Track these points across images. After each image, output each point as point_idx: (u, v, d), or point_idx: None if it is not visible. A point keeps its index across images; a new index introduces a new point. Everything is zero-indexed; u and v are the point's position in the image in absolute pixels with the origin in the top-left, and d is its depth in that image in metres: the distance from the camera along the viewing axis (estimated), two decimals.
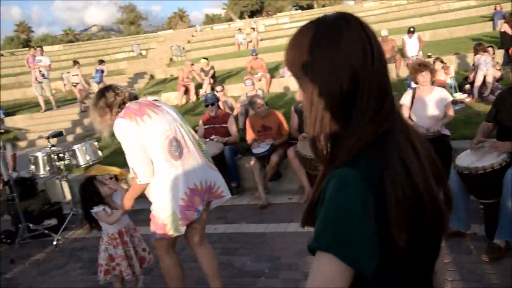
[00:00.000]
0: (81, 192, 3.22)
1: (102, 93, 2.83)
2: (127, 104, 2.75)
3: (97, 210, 3.08)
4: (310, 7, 57.35)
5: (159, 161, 2.65)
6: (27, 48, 23.02)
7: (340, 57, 0.91)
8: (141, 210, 3.75)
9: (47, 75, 12.69)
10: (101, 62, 14.45)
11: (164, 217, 2.70)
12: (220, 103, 7.13)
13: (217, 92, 8.07)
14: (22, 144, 10.91)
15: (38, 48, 13.55)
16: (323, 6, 53.22)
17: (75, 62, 13.62)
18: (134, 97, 2.88)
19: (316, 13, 35.55)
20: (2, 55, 33.03)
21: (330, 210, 0.86)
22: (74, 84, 13.05)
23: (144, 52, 24.50)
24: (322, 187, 0.92)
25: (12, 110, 13.97)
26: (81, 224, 5.50)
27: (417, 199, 0.90)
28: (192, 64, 12.71)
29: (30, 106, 14.74)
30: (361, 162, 0.88)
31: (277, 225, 4.60)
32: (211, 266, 3.01)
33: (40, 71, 12.44)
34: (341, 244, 0.83)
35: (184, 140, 2.75)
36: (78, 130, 11.54)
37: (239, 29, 23.74)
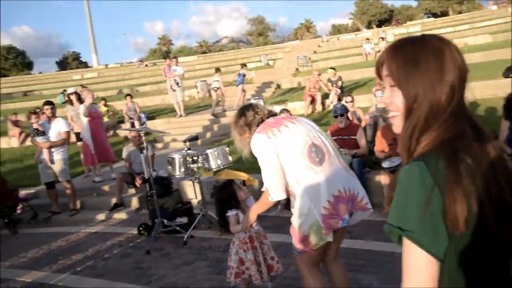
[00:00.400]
0: (219, 194, 3.33)
1: (242, 112, 2.87)
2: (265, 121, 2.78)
3: (231, 214, 3.16)
4: (444, 14, 53.65)
5: (301, 169, 2.58)
6: (167, 59, 25.33)
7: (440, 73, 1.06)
8: (263, 217, 3.79)
9: (181, 83, 13.59)
10: (243, 66, 15.30)
11: (306, 227, 2.59)
12: (349, 114, 6.98)
13: (347, 102, 7.92)
14: (158, 145, 11.93)
15: (174, 59, 14.54)
16: (459, 12, 49.37)
17: (217, 70, 14.65)
18: (273, 115, 2.89)
19: (451, 20, 33.15)
20: (146, 65, 36.81)
21: (397, 194, 1.03)
22: (215, 89, 14.02)
23: (271, 62, 25.23)
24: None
25: (152, 114, 15.38)
26: (209, 224, 5.79)
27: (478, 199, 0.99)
28: (319, 74, 12.70)
29: (168, 111, 16.10)
30: (431, 158, 1.01)
31: None
32: (343, 284, 2.89)
33: (174, 79, 13.36)
34: (403, 221, 1.01)
35: (324, 146, 2.67)
36: (208, 135, 12.25)
37: (367, 39, 23.19)
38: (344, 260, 4.01)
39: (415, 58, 1.07)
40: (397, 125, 1.15)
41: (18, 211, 7.43)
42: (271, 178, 2.63)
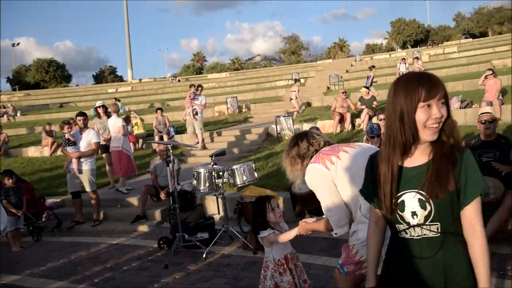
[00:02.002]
0: (256, 209, 3.12)
1: (296, 141, 2.69)
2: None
3: (265, 234, 2.95)
4: (483, 35, 52.45)
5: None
6: (200, 75, 25.54)
7: None
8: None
9: (201, 113, 12.37)
10: (372, 68, 15.54)
11: (364, 253, 2.44)
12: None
13: (380, 120, 7.63)
14: (187, 160, 11.94)
15: (199, 87, 13.38)
16: (500, 33, 48.13)
17: (296, 80, 15.88)
18: (329, 144, 2.69)
19: (490, 41, 32.29)
20: (179, 80, 37.46)
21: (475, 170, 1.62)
22: (291, 98, 15.11)
23: (302, 80, 25.15)
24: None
25: (182, 129, 15.48)
26: (230, 241, 5.66)
27: None
28: (344, 92, 12.64)
29: None
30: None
31: None
32: None
33: (194, 109, 12.19)
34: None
35: None
36: (236, 151, 12.19)
37: (403, 59, 22.78)
38: None
39: None
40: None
41: (43, 219, 7.50)
42: (332, 212, 2.48)
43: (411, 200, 1.63)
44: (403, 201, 1.65)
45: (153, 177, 7.39)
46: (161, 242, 5.79)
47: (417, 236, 1.66)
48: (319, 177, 2.48)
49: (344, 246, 2.59)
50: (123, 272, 5.09)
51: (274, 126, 12.62)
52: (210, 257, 5.26)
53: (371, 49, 64.22)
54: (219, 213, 6.19)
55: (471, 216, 1.60)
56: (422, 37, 61.41)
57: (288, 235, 2.85)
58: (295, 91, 15.60)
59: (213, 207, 6.63)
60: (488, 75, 10.97)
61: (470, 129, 8.50)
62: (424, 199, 1.60)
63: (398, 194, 1.65)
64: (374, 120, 8.15)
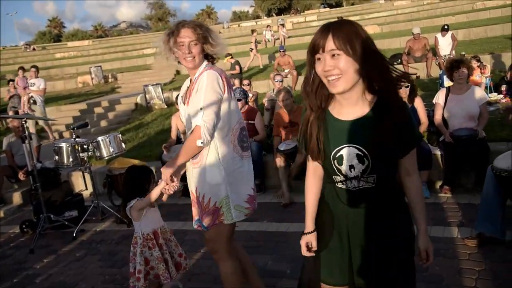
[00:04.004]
0: (136, 176, 2.96)
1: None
2: None
3: (131, 203, 2.85)
4: (338, 5, 56.60)
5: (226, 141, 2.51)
6: (58, 43, 23.34)
7: None
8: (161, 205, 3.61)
9: (41, 101, 10.33)
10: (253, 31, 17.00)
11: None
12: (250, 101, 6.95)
13: (243, 86, 7.90)
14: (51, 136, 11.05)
15: (33, 69, 10.59)
16: (352, 4, 52.43)
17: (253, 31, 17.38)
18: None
19: (345, 11, 35.08)
20: (34, 49, 33.86)
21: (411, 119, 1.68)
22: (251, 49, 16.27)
23: None
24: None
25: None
26: (102, 216, 5.47)
27: None
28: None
29: (58, 99, 14.96)
30: None
31: (300, 224, 4.35)
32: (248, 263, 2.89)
33: (31, 97, 10.13)
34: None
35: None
36: (103, 124, 11.61)
37: (268, 26, 23.56)
38: (240, 243, 4.03)
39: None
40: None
41: None
42: (211, 116, 2.31)
43: (349, 155, 1.63)
44: (341, 156, 1.64)
45: (9, 156, 6.71)
46: (23, 226, 5.34)
47: (353, 187, 1.68)
48: (215, 83, 2.36)
49: (194, 204, 2.55)
50: None
51: (143, 95, 12.25)
52: (81, 235, 5.03)
53: (238, 17, 65.13)
54: (87, 189, 5.90)
55: (408, 165, 1.70)
56: (285, 6, 63.99)
57: (156, 191, 2.73)
58: (252, 42, 16.50)
59: (81, 183, 6.28)
60: None
61: None
62: (362, 154, 1.61)
63: (337, 149, 1.65)
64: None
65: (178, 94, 2.74)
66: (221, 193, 2.45)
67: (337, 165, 1.66)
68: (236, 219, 2.50)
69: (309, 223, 1.89)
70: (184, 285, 3.46)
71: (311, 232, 1.88)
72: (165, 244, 2.96)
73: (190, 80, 2.54)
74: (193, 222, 2.61)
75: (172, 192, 2.53)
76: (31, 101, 9.85)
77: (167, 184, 2.45)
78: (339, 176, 1.69)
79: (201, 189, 2.48)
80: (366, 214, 1.70)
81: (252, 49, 16.53)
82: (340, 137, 1.64)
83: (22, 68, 11.72)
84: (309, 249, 1.87)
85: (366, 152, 1.60)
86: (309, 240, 1.88)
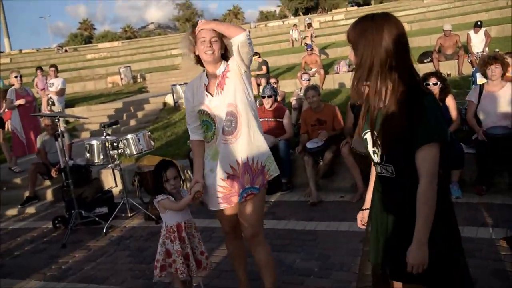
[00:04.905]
0: (154, 176, 3.00)
1: None
2: None
3: (161, 198, 2.88)
4: (366, 3, 55.88)
5: None
6: (89, 44, 23.96)
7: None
8: None
9: (61, 102, 9.98)
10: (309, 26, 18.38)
11: None
12: (278, 97, 6.92)
13: (270, 84, 7.88)
14: (82, 134, 11.31)
15: (52, 69, 10.15)
16: (381, 2, 51.63)
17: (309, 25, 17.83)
18: None
19: (373, 9, 34.59)
20: (66, 50, 34.78)
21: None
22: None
23: None
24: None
25: (72, 102, 14.53)
26: (131, 213, 5.55)
27: None
28: None
29: (89, 98, 15.30)
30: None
31: (328, 223, 4.38)
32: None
33: (50, 98, 9.84)
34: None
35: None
36: (132, 123, 11.79)
37: (294, 25, 23.47)
38: (268, 241, 4.03)
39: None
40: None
41: None
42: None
43: (370, 139, 1.77)
44: (366, 140, 1.81)
45: (42, 154, 6.90)
46: (56, 221, 5.48)
47: (379, 173, 1.80)
48: None
49: (255, 173, 2.64)
50: (15, 257, 4.76)
51: (171, 95, 12.39)
52: (111, 231, 5.12)
53: (265, 16, 65.13)
54: (116, 186, 6.01)
55: (418, 164, 1.62)
56: (312, 5, 63.62)
57: (179, 205, 2.83)
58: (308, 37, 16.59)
59: (111, 180, 6.40)
60: None
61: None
62: (375, 141, 1.72)
63: (363, 132, 1.82)
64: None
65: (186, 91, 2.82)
66: (265, 152, 2.69)
67: (368, 147, 1.81)
68: (277, 171, 2.75)
69: (367, 201, 2.05)
70: (212, 282, 3.47)
71: (366, 209, 2.05)
72: (188, 238, 2.93)
73: (207, 76, 2.68)
74: (238, 198, 2.66)
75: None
76: (50, 102, 9.61)
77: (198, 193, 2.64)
78: (372, 159, 1.83)
79: (248, 155, 2.63)
80: (385, 203, 1.80)
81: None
82: (367, 123, 1.79)
83: (40, 68, 11.44)
84: (362, 224, 2.06)
85: (378, 140, 1.71)
86: (362, 216, 2.08)
